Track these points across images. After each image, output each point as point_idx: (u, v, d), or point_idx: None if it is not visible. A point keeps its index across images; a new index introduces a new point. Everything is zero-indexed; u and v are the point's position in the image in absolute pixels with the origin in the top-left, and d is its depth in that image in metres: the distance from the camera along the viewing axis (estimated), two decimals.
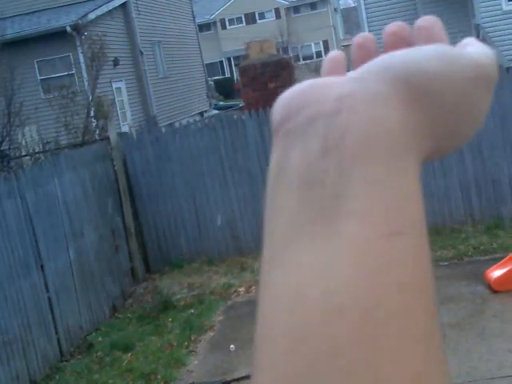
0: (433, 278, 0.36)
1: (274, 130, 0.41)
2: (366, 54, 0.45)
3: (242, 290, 8.32)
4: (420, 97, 0.39)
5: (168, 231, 9.62)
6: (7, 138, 11.48)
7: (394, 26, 0.45)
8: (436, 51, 0.40)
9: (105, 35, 15.60)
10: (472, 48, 0.43)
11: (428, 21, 0.45)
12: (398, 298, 0.34)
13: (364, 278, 0.34)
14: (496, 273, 7.09)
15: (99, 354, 7.22)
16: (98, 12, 19.98)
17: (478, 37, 16.13)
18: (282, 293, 0.35)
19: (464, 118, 0.41)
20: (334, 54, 0.46)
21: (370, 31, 17.80)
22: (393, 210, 0.36)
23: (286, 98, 0.41)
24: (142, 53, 22.53)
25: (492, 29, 15.95)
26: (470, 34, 16.81)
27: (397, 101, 0.38)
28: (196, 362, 6.73)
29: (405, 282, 0.34)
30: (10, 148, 11.49)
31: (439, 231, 8.85)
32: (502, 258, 7.34)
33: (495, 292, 6.94)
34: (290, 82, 11.81)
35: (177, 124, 10.18)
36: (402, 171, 0.37)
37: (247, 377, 5.87)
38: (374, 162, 0.36)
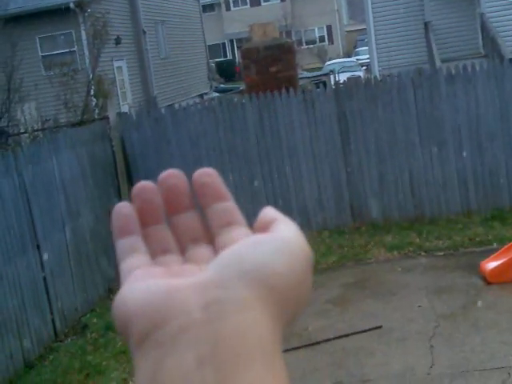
0: None
1: (137, 341, 0.41)
2: (149, 206, 0.48)
3: None
4: (276, 295, 0.42)
5: None
6: (6, 115, 11.45)
7: (172, 178, 0.50)
8: (278, 250, 0.44)
9: (108, 13, 15.47)
10: (284, 227, 0.47)
11: (209, 176, 0.51)
12: None
13: None
14: (491, 264, 7.10)
15: (94, 335, 7.23)
16: None
17: (481, 26, 16.05)
18: None
19: (303, 298, 0.46)
20: (123, 208, 0.47)
21: (374, 16, 17.70)
22: None
23: (140, 306, 0.41)
24: (144, 32, 22.39)
25: (496, 18, 15.85)
26: (474, 23, 16.71)
27: (260, 304, 0.41)
28: None
29: None
30: (8, 125, 11.46)
31: (435, 221, 8.85)
32: (497, 250, 7.35)
33: (489, 283, 6.96)
34: (291, 66, 11.74)
35: (176, 105, 10.12)
36: (274, 370, 0.40)
37: None
38: (250, 367, 0.39)
